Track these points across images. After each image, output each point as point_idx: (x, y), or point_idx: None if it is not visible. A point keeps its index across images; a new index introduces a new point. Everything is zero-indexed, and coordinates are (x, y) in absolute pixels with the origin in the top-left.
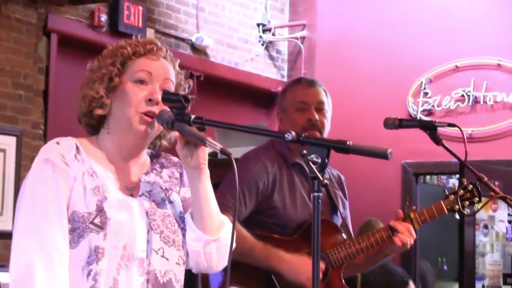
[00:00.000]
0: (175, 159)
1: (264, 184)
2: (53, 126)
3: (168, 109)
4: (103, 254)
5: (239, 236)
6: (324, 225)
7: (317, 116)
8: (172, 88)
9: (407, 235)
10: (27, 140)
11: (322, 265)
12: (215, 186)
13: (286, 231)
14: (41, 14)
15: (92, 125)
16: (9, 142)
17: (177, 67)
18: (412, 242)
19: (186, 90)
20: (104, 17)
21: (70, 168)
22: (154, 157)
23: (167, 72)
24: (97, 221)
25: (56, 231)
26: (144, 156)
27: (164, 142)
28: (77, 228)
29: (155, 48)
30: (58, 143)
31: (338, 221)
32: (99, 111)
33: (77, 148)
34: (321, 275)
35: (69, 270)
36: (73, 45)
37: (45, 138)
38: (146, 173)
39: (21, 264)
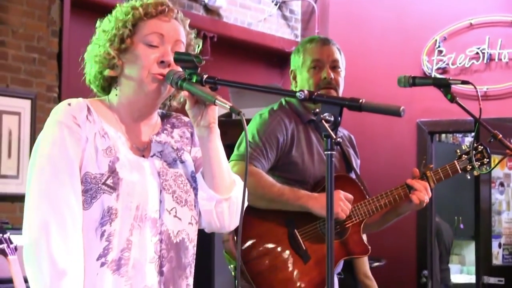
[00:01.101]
0: (185, 119)
1: (284, 139)
2: (67, 88)
3: (177, 69)
4: (116, 215)
5: (267, 183)
6: (343, 180)
7: (332, 75)
8: (183, 50)
9: (424, 193)
10: (41, 103)
11: (350, 196)
12: (230, 147)
13: (304, 187)
14: None
15: (102, 86)
16: (24, 105)
17: (187, 27)
18: (428, 200)
19: (196, 49)
20: None
21: (82, 129)
22: (164, 117)
23: (178, 34)
24: (109, 182)
25: (69, 192)
26: (155, 117)
27: (174, 103)
28: (90, 189)
29: (166, 9)
30: (69, 104)
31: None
32: (111, 73)
33: (88, 109)
34: (349, 208)
35: (83, 231)
36: (86, 7)
37: (60, 101)
38: (157, 134)
39: (35, 225)
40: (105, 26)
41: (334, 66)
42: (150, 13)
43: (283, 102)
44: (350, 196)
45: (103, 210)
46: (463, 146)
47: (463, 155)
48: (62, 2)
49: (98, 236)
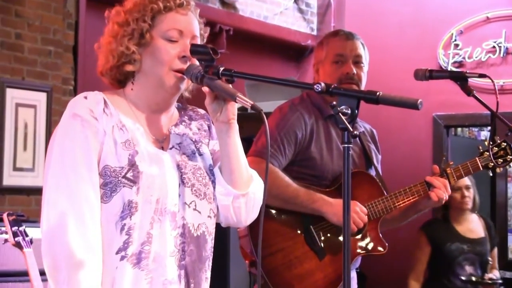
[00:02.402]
0: (201, 111)
1: (303, 135)
2: (83, 81)
3: (197, 64)
4: (136, 209)
5: (282, 183)
6: (361, 177)
7: (354, 70)
8: (199, 42)
9: (443, 190)
10: (57, 95)
11: (364, 210)
12: (246, 140)
13: (322, 182)
14: None
15: (118, 79)
16: (39, 98)
17: (198, 17)
18: (447, 197)
19: (205, 38)
20: None
21: (99, 122)
22: (181, 109)
23: (195, 29)
24: (129, 175)
25: (86, 185)
26: (173, 109)
27: (186, 93)
28: (110, 183)
29: (184, 3)
30: (86, 97)
31: (372, 174)
32: (130, 67)
33: (105, 102)
34: (363, 220)
35: (102, 225)
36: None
37: (75, 94)
38: (176, 125)
39: (53, 218)
40: (119, 19)
41: (357, 61)
42: (168, 7)
43: (304, 96)
44: (365, 209)
45: (123, 203)
46: (485, 143)
47: (485, 152)
48: None
49: (118, 230)
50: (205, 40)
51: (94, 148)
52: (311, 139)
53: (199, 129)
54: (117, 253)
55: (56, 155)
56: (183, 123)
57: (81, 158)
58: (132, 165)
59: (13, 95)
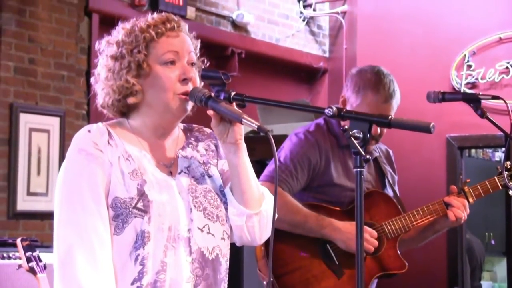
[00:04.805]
0: (208, 130)
1: (317, 161)
2: (96, 105)
3: (200, 87)
4: (149, 238)
5: (292, 208)
6: (378, 197)
7: (379, 130)
8: (195, 58)
9: (462, 210)
10: (70, 120)
11: (374, 234)
12: (259, 163)
13: (339, 207)
14: None
15: (121, 111)
16: (52, 123)
17: (188, 32)
18: (466, 217)
19: (198, 50)
20: None
21: (104, 154)
22: (187, 131)
23: (189, 46)
24: (140, 205)
25: (95, 219)
26: (177, 130)
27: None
28: (121, 214)
29: (175, 26)
30: (89, 131)
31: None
32: (132, 100)
33: (109, 133)
34: (373, 245)
35: (116, 256)
36: (115, 24)
37: (88, 118)
38: (183, 148)
39: (61, 252)
40: (112, 52)
41: None
42: (160, 33)
43: (321, 123)
44: (375, 233)
45: (136, 234)
46: (505, 164)
47: (505, 172)
48: (90, 19)
49: (133, 261)
50: (198, 54)
51: (101, 181)
52: (326, 166)
53: (206, 150)
54: (132, 283)
55: (64, 191)
56: (190, 146)
57: (88, 192)
58: (142, 194)
59: (26, 120)
